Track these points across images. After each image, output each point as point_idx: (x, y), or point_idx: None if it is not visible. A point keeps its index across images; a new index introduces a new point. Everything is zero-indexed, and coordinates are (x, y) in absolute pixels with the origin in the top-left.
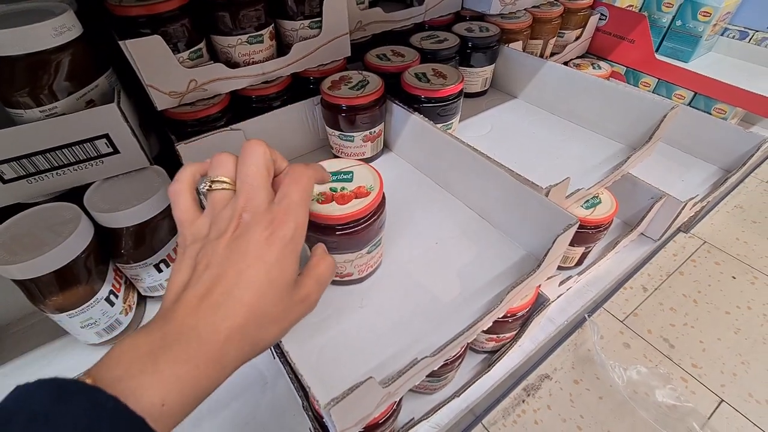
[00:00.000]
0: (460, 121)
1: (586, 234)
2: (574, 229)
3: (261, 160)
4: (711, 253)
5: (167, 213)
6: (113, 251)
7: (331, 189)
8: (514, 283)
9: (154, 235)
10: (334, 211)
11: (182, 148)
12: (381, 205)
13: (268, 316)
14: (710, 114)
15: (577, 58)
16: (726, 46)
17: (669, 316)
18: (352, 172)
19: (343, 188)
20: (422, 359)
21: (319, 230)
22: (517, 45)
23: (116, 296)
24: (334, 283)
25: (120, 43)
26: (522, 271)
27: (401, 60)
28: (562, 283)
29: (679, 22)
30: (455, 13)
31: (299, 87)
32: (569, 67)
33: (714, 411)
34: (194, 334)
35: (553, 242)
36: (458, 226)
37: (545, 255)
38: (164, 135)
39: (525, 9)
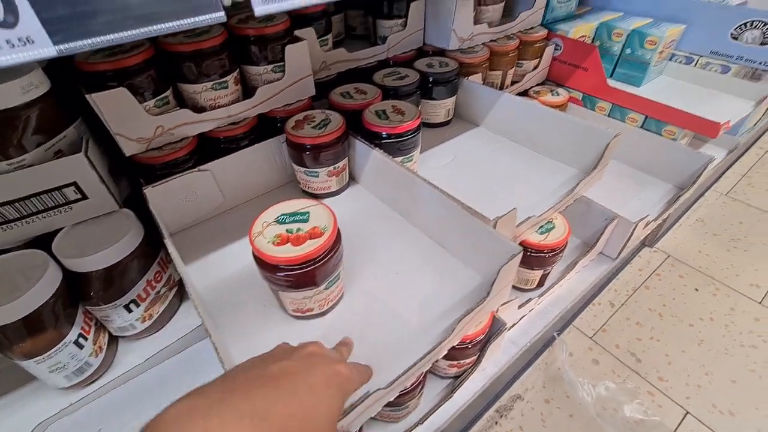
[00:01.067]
0: (424, 150)
1: (542, 258)
2: (518, 258)
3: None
4: (675, 267)
5: (136, 254)
6: (82, 294)
7: (287, 230)
8: (464, 314)
9: (124, 277)
10: (288, 252)
11: (149, 192)
12: (335, 245)
13: (313, 423)
14: (661, 135)
15: (537, 85)
16: (675, 71)
17: (635, 331)
18: (308, 212)
19: (298, 229)
20: (375, 392)
21: (275, 271)
22: (477, 77)
23: (85, 339)
24: (297, 317)
25: (87, 97)
26: (478, 298)
27: (363, 97)
28: (521, 306)
29: (628, 50)
30: (418, 49)
31: (266, 126)
32: (530, 94)
33: (679, 424)
34: (249, 406)
35: (498, 272)
36: (419, 255)
37: (491, 285)
38: (136, 176)
39: (483, 44)
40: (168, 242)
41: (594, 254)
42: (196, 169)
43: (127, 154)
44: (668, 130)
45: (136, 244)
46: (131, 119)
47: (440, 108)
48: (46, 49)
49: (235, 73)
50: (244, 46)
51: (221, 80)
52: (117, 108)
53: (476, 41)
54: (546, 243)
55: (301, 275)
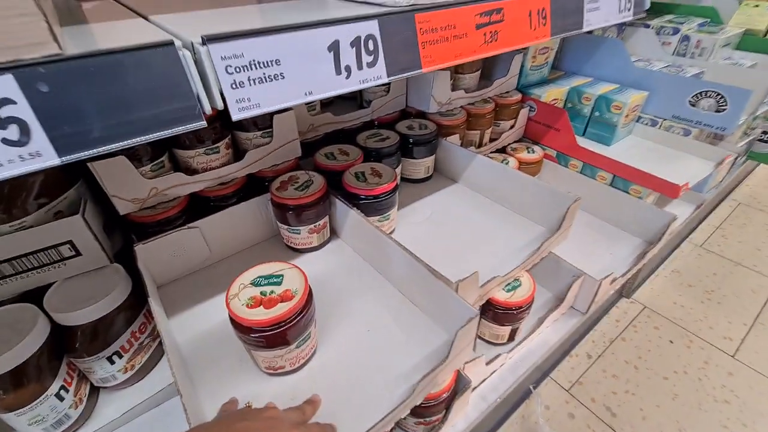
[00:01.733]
0: (405, 206)
1: (509, 314)
2: (475, 321)
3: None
4: (651, 318)
5: (122, 307)
6: (67, 346)
7: (261, 293)
8: (424, 375)
9: (109, 330)
10: (259, 315)
11: (140, 249)
12: (305, 307)
13: None
14: (628, 193)
15: (515, 142)
16: (642, 131)
17: (611, 384)
18: (282, 275)
19: (271, 292)
20: None
21: (248, 332)
22: (455, 138)
23: (67, 390)
24: (270, 374)
25: (88, 165)
26: (440, 354)
27: (346, 159)
28: (490, 362)
29: (597, 113)
30: (401, 110)
31: (254, 184)
32: (508, 151)
33: None
34: None
35: (456, 335)
36: (390, 312)
37: (450, 347)
38: (129, 232)
39: (461, 107)
40: (152, 301)
41: (564, 308)
42: (185, 227)
43: (122, 213)
44: (634, 188)
45: (123, 298)
46: (127, 183)
47: (419, 166)
48: (52, 161)
49: (226, 139)
50: None
51: (213, 146)
52: (115, 173)
53: (454, 104)
54: (512, 301)
55: (271, 336)
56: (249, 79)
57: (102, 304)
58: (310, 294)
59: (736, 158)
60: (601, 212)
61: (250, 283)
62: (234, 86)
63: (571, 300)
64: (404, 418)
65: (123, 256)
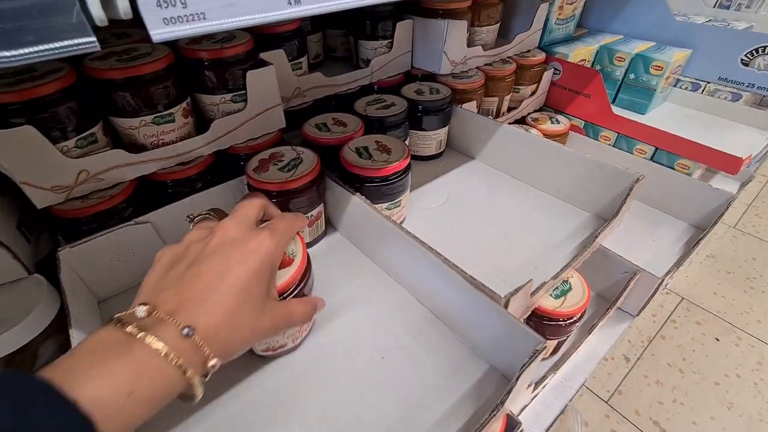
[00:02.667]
0: (414, 188)
1: (557, 327)
2: (540, 353)
3: (255, 201)
4: (690, 312)
5: (52, 331)
6: None
7: None
8: None
9: (32, 366)
10: None
11: (66, 254)
12: (307, 270)
13: (244, 320)
14: (674, 169)
15: (535, 112)
16: (680, 97)
17: (656, 392)
18: None
19: None
20: None
21: None
22: (471, 105)
23: None
24: (267, 356)
25: None
26: (486, 391)
27: (343, 130)
28: (536, 386)
29: (632, 76)
30: (406, 73)
31: (225, 164)
32: (528, 121)
33: None
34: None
35: (517, 378)
36: (408, 329)
37: (510, 389)
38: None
39: (477, 68)
40: (74, 332)
41: (612, 311)
42: (132, 222)
43: (40, 207)
44: (681, 163)
45: (49, 319)
46: (42, 164)
47: (431, 139)
48: None
49: (183, 104)
50: (196, 72)
51: (165, 112)
52: (23, 150)
53: (470, 65)
54: (562, 311)
55: None
56: None
57: (17, 331)
58: (308, 257)
59: None
60: (642, 193)
61: None
62: None
63: (622, 301)
64: None
65: (51, 266)
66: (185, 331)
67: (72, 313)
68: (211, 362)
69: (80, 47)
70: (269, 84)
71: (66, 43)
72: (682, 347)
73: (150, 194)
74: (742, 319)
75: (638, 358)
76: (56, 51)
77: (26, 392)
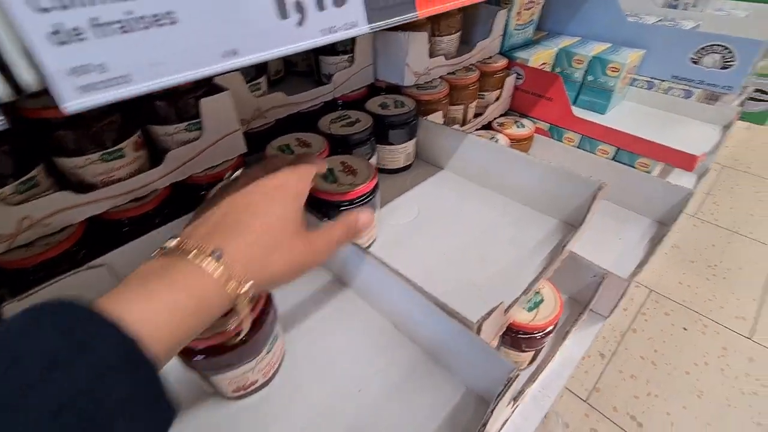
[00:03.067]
0: (384, 203)
1: (532, 339)
2: (515, 379)
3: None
4: (659, 303)
5: None
6: None
7: None
8: None
9: None
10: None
11: (11, 309)
12: (268, 301)
13: (274, 243)
14: (635, 167)
15: (501, 116)
16: (637, 96)
17: (631, 386)
18: None
19: None
20: None
21: (211, 353)
22: (437, 115)
23: None
24: (240, 396)
25: None
26: (463, 418)
27: (307, 151)
28: (515, 400)
29: (591, 77)
30: (370, 86)
31: (184, 196)
32: (494, 126)
33: None
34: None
35: (492, 410)
36: (384, 356)
37: (483, 426)
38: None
39: (441, 77)
40: None
41: (585, 315)
42: (84, 267)
43: None
44: (641, 162)
45: None
46: None
47: (399, 153)
48: None
49: (134, 137)
50: (146, 103)
51: (114, 148)
52: None
53: (433, 75)
54: (536, 324)
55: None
56: (94, 24)
57: None
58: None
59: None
60: (606, 191)
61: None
62: (59, 39)
63: (593, 304)
64: None
65: None
66: (215, 253)
67: None
68: (247, 285)
69: None
70: (225, 110)
71: None
72: (653, 339)
73: (104, 235)
74: (706, 306)
75: (613, 354)
76: None
77: (71, 317)
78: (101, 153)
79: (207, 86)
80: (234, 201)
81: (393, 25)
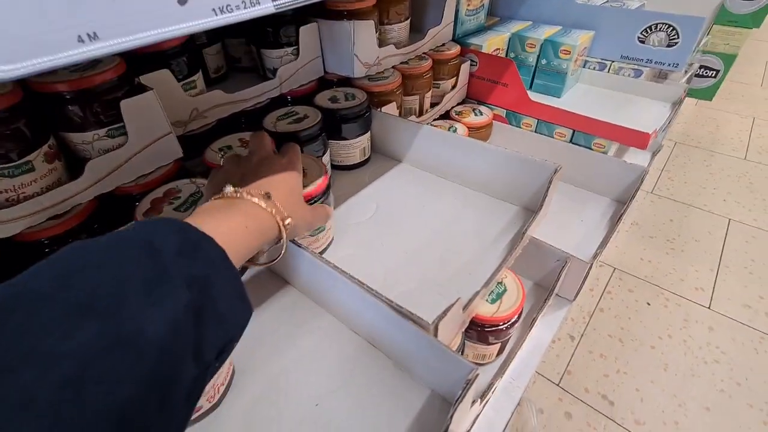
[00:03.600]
0: (342, 201)
1: (498, 331)
2: (475, 380)
3: (265, 135)
4: (623, 281)
5: None
6: None
7: None
8: None
9: None
10: None
11: None
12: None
13: (296, 200)
14: (591, 149)
15: (458, 105)
16: (589, 77)
17: (601, 366)
18: None
19: None
20: None
21: None
22: (391, 107)
23: None
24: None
25: None
26: (429, 420)
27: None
28: (482, 397)
29: (544, 61)
30: (320, 79)
31: (116, 207)
32: (452, 115)
33: None
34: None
35: (452, 416)
36: (343, 364)
37: (448, 419)
38: None
39: (393, 67)
40: None
41: (551, 300)
42: None
43: None
44: (597, 143)
45: None
46: None
47: (353, 148)
48: None
49: (45, 147)
50: (56, 108)
51: (19, 162)
52: None
53: (384, 65)
54: (500, 315)
55: None
56: None
57: None
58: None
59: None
60: (565, 174)
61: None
62: None
63: (557, 288)
64: None
65: None
66: (266, 195)
67: None
68: (288, 220)
69: None
70: (151, 111)
71: None
72: (619, 317)
73: (22, 259)
74: (667, 280)
75: (582, 335)
76: None
77: (180, 227)
78: (7, 167)
79: (129, 86)
80: (262, 167)
81: (305, 4)
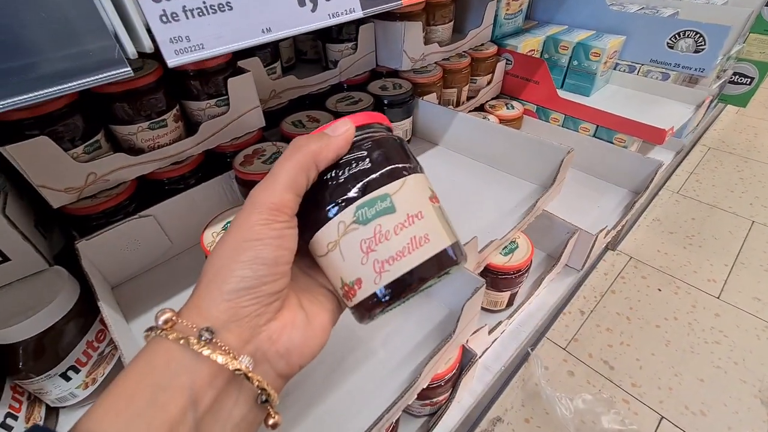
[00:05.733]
0: None
1: (508, 279)
2: (482, 291)
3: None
4: (637, 269)
5: (71, 315)
6: (9, 368)
7: None
8: (429, 355)
9: (58, 343)
10: None
11: (82, 246)
12: None
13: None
14: (612, 143)
15: (493, 99)
16: (620, 79)
17: (606, 337)
18: None
19: None
20: None
21: None
22: (432, 96)
23: (15, 418)
24: None
25: (2, 149)
26: (446, 330)
27: (316, 126)
28: (492, 330)
29: (575, 62)
30: (372, 71)
31: (214, 162)
32: (486, 108)
33: (656, 429)
34: None
35: (462, 308)
36: None
37: (457, 320)
38: (69, 228)
39: (435, 63)
40: (102, 304)
41: (560, 267)
42: (136, 216)
43: (55, 207)
44: (619, 137)
45: (71, 304)
46: (56, 169)
47: (397, 130)
48: None
49: (174, 110)
50: (183, 82)
51: (159, 119)
52: (39, 159)
53: (428, 61)
54: (511, 265)
55: None
56: (185, 10)
57: (44, 314)
58: None
59: (711, 101)
60: (586, 165)
61: (223, 229)
62: (165, 19)
63: (567, 258)
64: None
65: (68, 257)
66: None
67: (99, 292)
68: (244, 360)
69: (120, 75)
70: (248, 89)
71: (111, 72)
72: (630, 299)
73: (149, 191)
74: (681, 271)
75: (591, 311)
76: (105, 78)
77: None
78: (149, 122)
79: (233, 68)
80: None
81: (384, 11)
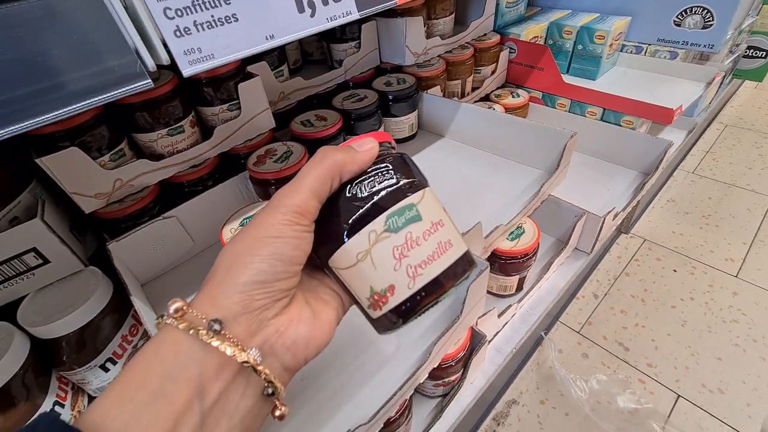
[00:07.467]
0: None
1: (516, 264)
2: (486, 274)
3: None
4: (652, 250)
5: (107, 311)
6: (54, 360)
7: None
8: (438, 337)
9: (96, 337)
10: None
11: (113, 247)
12: None
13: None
14: (620, 125)
15: (498, 89)
16: (627, 60)
17: (621, 320)
18: None
19: None
20: (357, 428)
21: None
22: (436, 89)
23: (62, 406)
24: None
25: (37, 161)
26: (454, 315)
27: (324, 124)
28: (501, 314)
29: (580, 47)
30: (376, 67)
31: (229, 164)
32: (492, 98)
33: (672, 408)
34: None
35: (467, 290)
36: None
37: (462, 303)
38: (100, 231)
39: (438, 56)
40: (135, 299)
41: (569, 251)
42: (160, 217)
43: (87, 212)
44: (626, 119)
45: (105, 301)
46: (86, 177)
47: (402, 124)
48: None
49: (190, 117)
50: (196, 89)
51: (176, 125)
52: (70, 168)
53: (431, 54)
54: (517, 249)
55: None
56: (195, 24)
57: (83, 311)
58: None
59: (723, 77)
60: (595, 149)
61: (240, 225)
62: (178, 34)
63: (576, 241)
64: (422, 383)
65: (100, 258)
66: (216, 322)
67: (131, 288)
68: (252, 352)
69: (142, 86)
70: (257, 92)
71: (134, 85)
72: (644, 281)
73: (171, 194)
74: (697, 251)
75: (605, 294)
76: (129, 90)
77: None
78: (168, 129)
79: (242, 74)
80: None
81: (383, 9)
